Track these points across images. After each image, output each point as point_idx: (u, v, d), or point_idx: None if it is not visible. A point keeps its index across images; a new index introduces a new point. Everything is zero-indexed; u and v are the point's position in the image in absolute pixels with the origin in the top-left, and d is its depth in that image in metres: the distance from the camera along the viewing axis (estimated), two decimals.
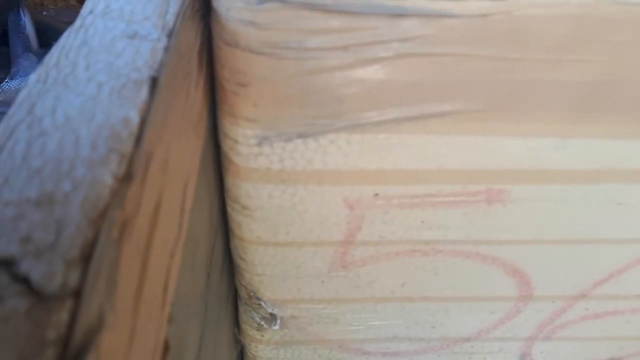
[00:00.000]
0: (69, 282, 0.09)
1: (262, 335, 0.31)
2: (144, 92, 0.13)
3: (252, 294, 0.28)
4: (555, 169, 0.21)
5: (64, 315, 0.09)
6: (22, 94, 0.12)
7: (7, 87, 0.47)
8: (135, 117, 0.12)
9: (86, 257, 0.10)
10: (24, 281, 0.09)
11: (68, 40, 0.14)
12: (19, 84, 0.47)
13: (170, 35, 0.15)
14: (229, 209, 0.24)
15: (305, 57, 0.17)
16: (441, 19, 0.16)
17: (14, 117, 0.12)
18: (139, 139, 0.12)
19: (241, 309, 0.30)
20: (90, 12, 0.16)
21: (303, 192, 0.22)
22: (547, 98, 0.19)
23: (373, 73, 0.17)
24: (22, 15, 0.48)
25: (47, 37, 0.51)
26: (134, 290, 0.11)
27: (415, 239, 0.24)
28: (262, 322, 0.30)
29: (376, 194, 0.22)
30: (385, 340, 0.31)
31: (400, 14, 0.16)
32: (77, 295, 0.09)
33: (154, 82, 0.13)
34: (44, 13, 0.51)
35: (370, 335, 0.31)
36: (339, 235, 0.24)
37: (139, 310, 0.12)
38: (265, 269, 0.26)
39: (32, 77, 0.13)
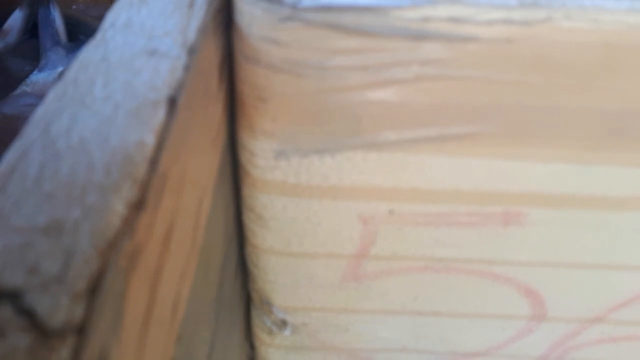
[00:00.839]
0: (73, 317, 0.09)
1: (273, 340, 0.31)
2: (161, 113, 0.13)
3: (264, 299, 0.28)
4: (576, 194, 0.21)
5: (65, 353, 0.09)
6: (39, 111, 0.12)
7: (35, 79, 0.48)
8: (150, 140, 0.12)
9: (93, 289, 0.10)
10: (28, 314, 0.09)
11: (87, 54, 0.14)
12: (47, 76, 0.48)
13: (190, 51, 0.15)
14: (244, 218, 0.24)
15: (325, 75, 0.17)
16: (464, 42, 0.16)
17: (29, 136, 0.12)
18: (154, 162, 0.12)
19: (253, 312, 0.30)
20: (112, 25, 0.16)
21: (317, 206, 0.22)
22: (570, 124, 0.18)
23: (392, 94, 0.17)
24: (52, 9, 0.49)
25: (76, 31, 0.51)
26: (141, 318, 0.11)
27: (428, 256, 0.24)
28: (274, 327, 0.30)
29: (391, 211, 0.22)
30: (393, 350, 0.31)
31: (422, 36, 0.16)
32: (81, 331, 0.09)
33: (172, 103, 0.13)
34: (74, 7, 0.51)
35: (379, 346, 0.31)
36: (352, 248, 0.24)
37: (146, 337, 0.12)
38: (278, 277, 0.26)
39: (50, 93, 0.13)
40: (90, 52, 0.14)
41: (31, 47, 0.50)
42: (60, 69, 0.49)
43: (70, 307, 0.09)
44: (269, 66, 0.17)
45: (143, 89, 0.13)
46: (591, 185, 0.20)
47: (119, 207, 0.11)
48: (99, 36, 0.15)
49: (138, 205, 0.11)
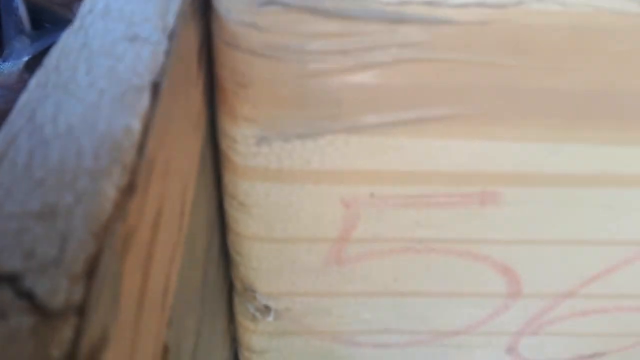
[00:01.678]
0: (72, 298, 0.09)
1: (257, 326, 0.31)
2: (145, 99, 0.13)
3: (247, 286, 0.28)
4: (550, 173, 0.21)
5: (68, 333, 0.09)
6: (23, 99, 0.12)
7: (0, 69, 0.46)
8: (137, 125, 0.12)
9: (90, 272, 0.10)
10: (28, 297, 0.09)
11: (68, 41, 0.14)
12: (12, 66, 0.47)
13: (171, 37, 0.15)
14: (226, 205, 0.24)
15: (305, 60, 0.17)
16: (440, 25, 0.17)
17: (15, 123, 0.12)
18: (141, 148, 0.12)
19: (236, 300, 0.30)
20: (90, 11, 0.16)
21: (300, 190, 0.22)
22: (543, 105, 0.19)
23: (372, 77, 0.17)
24: None
25: (40, 18, 0.50)
26: (135, 301, 0.11)
27: (409, 237, 0.25)
28: (257, 314, 0.30)
29: (372, 194, 0.22)
30: (376, 332, 0.32)
31: (399, 20, 0.16)
32: (81, 311, 0.09)
33: (155, 88, 0.13)
34: None
35: (362, 328, 0.31)
36: (335, 232, 0.24)
37: (141, 320, 0.12)
38: (261, 264, 0.26)
39: (32, 81, 0.13)
40: (70, 38, 0.14)
41: None
42: (25, 58, 0.48)
43: (69, 289, 0.09)
44: (249, 51, 0.17)
45: (126, 75, 0.13)
46: (563, 164, 0.21)
47: (110, 192, 0.11)
48: (77, 23, 0.15)
49: (128, 190, 0.11)
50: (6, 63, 0.47)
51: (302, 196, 0.23)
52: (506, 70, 0.18)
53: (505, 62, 0.17)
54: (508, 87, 0.18)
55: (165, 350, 0.15)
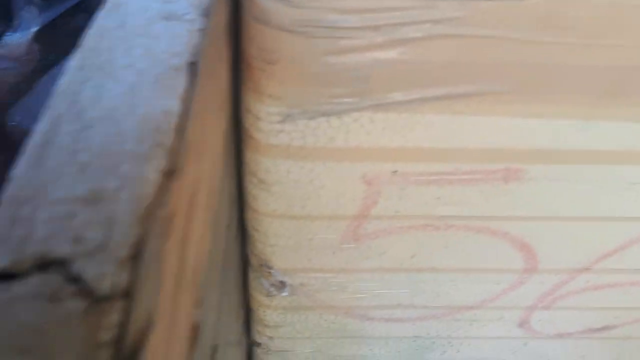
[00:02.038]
0: (119, 282, 0.09)
1: (271, 302, 0.31)
2: (183, 79, 0.12)
3: (263, 262, 0.28)
4: (576, 150, 0.21)
5: (116, 316, 0.09)
6: (63, 82, 0.12)
7: (8, 40, 0.46)
8: (176, 107, 0.12)
9: (135, 256, 0.10)
10: (77, 282, 0.09)
11: (103, 21, 0.14)
12: (21, 37, 0.46)
13: (205, 14, 0.14)
14: (246, 183, 0.24)
15: (336, 36, 0.16)
16: (477, 1, 0.16)
17: (58, 107, 0.11)
18: (181, 130, 0.12)
19: (251, 275, 0.30)
20: None
21: (322, 168, 0.22)
22: (575, 81, 0.18)
23: (402, 53, 0.17)
24: None
25: None
26: (173, 283, 0.11)
27: (429, 214, 0.24)
28: (272, 289, 0.30)
29: (395, 171, 0.22)
30: (390, 307, 0.32)
31: None
32: (128, 295, 0.09)
33: (193, 68, 0.13)
34: None
35: (376, 303, 0.32)
36: (354, 209, 0.24)
37: (178, 302, 0.12)
38: (279, 240, 0.26)
39: (71, 62, 0.12)
40: (105, 18, 0.13)
41: (2, 7, 0.47)
42: (34, 28, 0.47)
43: (116, 273, 0.09)
44: (279, 27, 0.16)
45: (164, 55, 0.13)
46: (591, 141, 0.21)
47: (153, 176, 0.11)
48: (110, 1, 0.14)
49: (170, 173, 0.11)
50: (15, 34, 0.46)
51: (323, 174, 0.22)
52: (540, 47, 0.17)
53: (540, 38, 0.17)
54: (541, 64, 0.18)
55: (196, 329, 0.15)
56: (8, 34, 0.47)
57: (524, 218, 0.25)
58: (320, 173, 0.22)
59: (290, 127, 0.20)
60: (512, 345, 0.35)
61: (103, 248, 0.10)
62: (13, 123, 0.43)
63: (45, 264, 0.09)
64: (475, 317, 0.33)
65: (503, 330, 0.34)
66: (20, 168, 0.10)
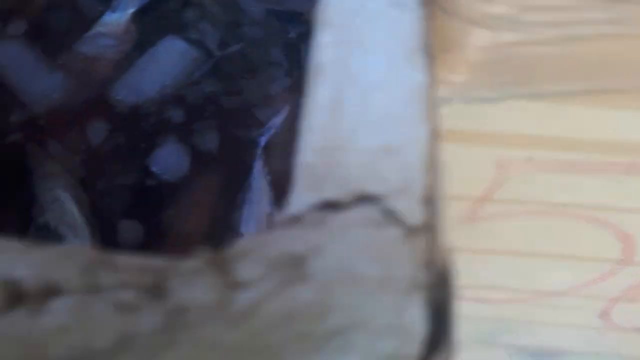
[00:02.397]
0: (424, 217, 0.11)
1: None
2: (422, 58, 0.15)
3: None
4: None
5: (426, 244, 0.11)
6: (327, 53, 0.14)
7: (109, 19, 0.48)
8: (426, 80, 0.14)
9: (432, 197, 0.12)
10: (392, 214, 0.12)
11: (340, 2, 0.16)
12: (120, 17, 0.49)
13: (421, 3, 0.16)
14: None
15: (517, 30, 0.18)
16: None
17: (334, 76, 0.14)
18: (432, 99, 0.14)
19: None
20: None
21: (459, 150, 0.24)
22: None
23: (572, 49, 0.19)
24: None
25: None
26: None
27: (546, 201, 0.26)
28: None
29: (529, 158, 0.24)
30: (480, 287, 0.34)
31: None
32: (431, 228, 0.12)
33: (427, 49, 0.15)
34: None
35: (469, 282, 0.34)
36: (478, 192, 0.26)
37: None
38: None
39: (324, 38, 0.15)
40: (345, 1, 0.16)
41: None
42: (131, 9, 0.50)
43: (421, 209, 0.12)
44: (468, 19, 0.18)
45: (404, 37, 0.15)
46: None
47: (426, 135, 0.13)
48: None
49: (436, 134, 0.13)
50: (114, 14, 0.49)
51: (456, 156, 0.24)
52: None
53: None
54: None
55: None
56: (108, 13, 0.50)
57: (634, 210, 0.27)
58: (453, 155, 0.24)
59: (444, 111, 0.22)
60: (588, 335, 0.37)
61: (406, 189, 0.12)
62: (118, 98, 0.45)
63: (363, 199, 0.12)
64: (559, 303, 0.35)
65: (583, 319, 0.36)
66: (317, 122, 0.13)
